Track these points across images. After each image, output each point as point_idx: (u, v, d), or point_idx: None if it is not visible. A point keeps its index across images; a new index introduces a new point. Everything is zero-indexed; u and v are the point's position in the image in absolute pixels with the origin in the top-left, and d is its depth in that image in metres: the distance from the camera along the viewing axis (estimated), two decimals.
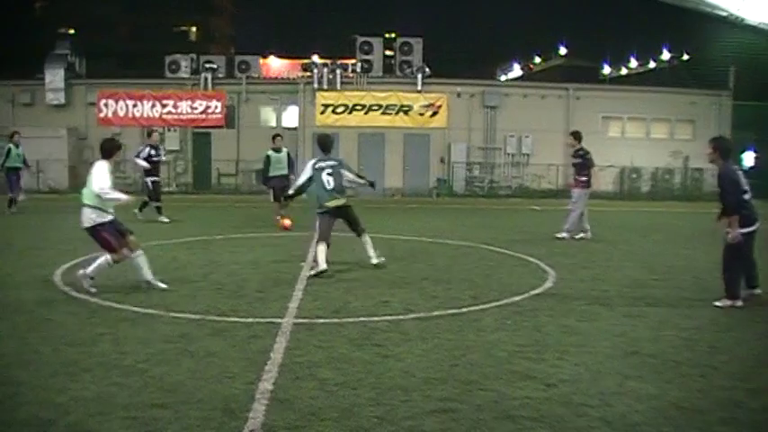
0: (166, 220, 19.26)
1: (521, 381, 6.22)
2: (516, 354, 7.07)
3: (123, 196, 9.92)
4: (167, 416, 5.29)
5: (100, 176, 9.59)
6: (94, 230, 9.68)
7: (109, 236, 9.69)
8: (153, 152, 19.60)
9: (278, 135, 19.15)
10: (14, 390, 5.80)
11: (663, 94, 35.85)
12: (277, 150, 18.46)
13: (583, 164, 16.62)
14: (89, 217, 9.64)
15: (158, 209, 19.48)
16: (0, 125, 30.90)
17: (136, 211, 18.59)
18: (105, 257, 9.69)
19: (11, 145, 21.62)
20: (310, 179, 12.10)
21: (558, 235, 16.34)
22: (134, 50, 53.64)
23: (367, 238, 12.37)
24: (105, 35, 57.87)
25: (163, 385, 5.97)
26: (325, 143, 12.43)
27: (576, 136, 17.07)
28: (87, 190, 9.67)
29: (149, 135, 20.96)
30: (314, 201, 12.25)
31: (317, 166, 12.08)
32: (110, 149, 10.15)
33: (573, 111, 34.69)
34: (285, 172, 18.15)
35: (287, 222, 17.37)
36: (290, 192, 13.02)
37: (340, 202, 12.06)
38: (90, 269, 9.71)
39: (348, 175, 12.42)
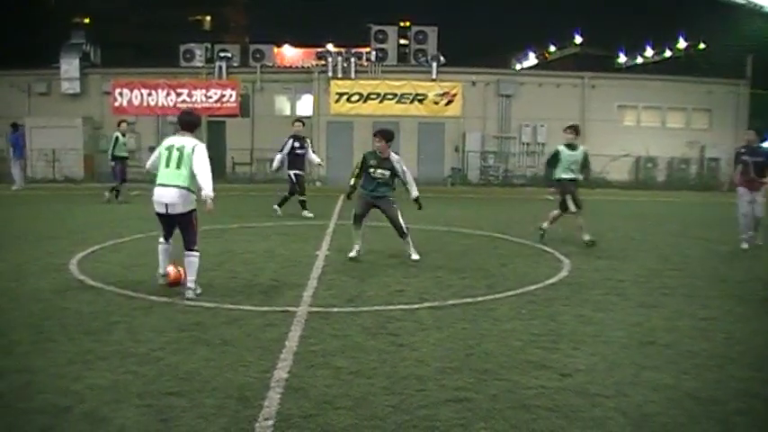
0: (311, 215, 18.08)
1: (536, 370, 6.21)
2: (531, 343, 7.05)
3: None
4: (182, 404, 5.30)
5: (207, 161, 8.84)
6: (190, 217, 8.98)
7: (197, 224, 9.15)
8: (296, 144, 18.14)
9: (573, 126, 14.56)
10: (30, 377, 5.82)
11: (679, 82, 35.64)
12: (571, 147, 14.09)
13: (765, 163, 14.17)
14: (189, 200, 8.89)
15: (302, 203, 18.35)
16: (16, 114, 31.18)
17: (276, 207, 18.26)
18: (195, 257, 8.97)
19: (118, 134, 21.39)
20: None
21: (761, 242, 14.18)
22: (149, 40, 53.69)
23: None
24: (120, 25, 57.97)
25: (177, 373, 5.98)
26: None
27: (759, 132, 14.92)
28: (184, 171, 8.77)
29: (293, 123, 19.05)
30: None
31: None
32: (191, 123, 9.22)
33: (588, 99, 34.58)
34: (575, 175, 14.02)
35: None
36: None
37: None
38: (191, 283, 8.92)
39: None
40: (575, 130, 14.30)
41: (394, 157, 12.00)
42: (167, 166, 8.79)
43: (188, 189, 8.80)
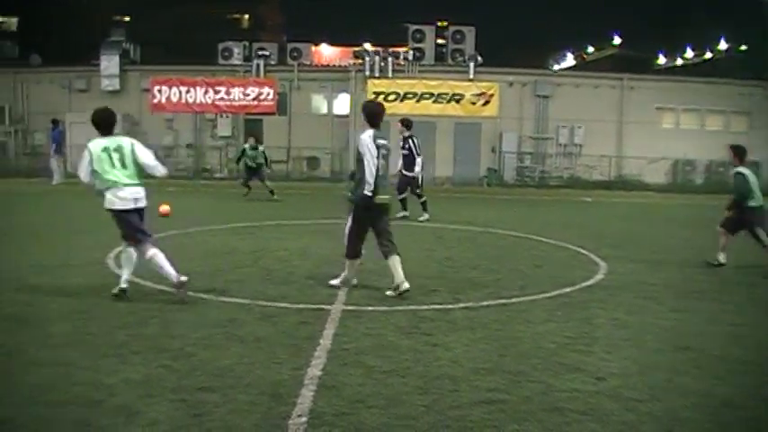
0: (404, 214, 17.38)
1: (569, 373, 6.16)
2: (565, 346, 7.01)
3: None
4: (215, 399, 5.33)
5: (147, 150, 8.99)
6: (146, 208, 8.94)
7: None
8: (400, 143, 17.46)
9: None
10: (65, 370, 5.88)
11: (718, 85, 35.19)
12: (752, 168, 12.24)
13: None
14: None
15: (402, 201, 17.60)
16: (56, 110, 31.65)
17: (426, 215, 17.50)
18: (158, 250, 8.75)
19: (246, 146, 22.61)
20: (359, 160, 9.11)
21: None
22: (187, 38, 54.12)
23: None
24: (159, 22, 58.49)
25: (211, 369, 6.01)
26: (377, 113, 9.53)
27: None
28: (134, 169, 8.71)
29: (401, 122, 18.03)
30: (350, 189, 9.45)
31: (377, 142, 9.12)
32: (113, 123, 8.97)
33: (626, 101, 34.26)
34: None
35: None
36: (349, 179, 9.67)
37: (386, 198, 9.27)
38: (179, 275, 8.62)
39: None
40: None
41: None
42: (115, 167, 8.58)
43: (143, 185, 8.82)
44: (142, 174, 8.82)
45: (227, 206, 20.08)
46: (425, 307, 8.50)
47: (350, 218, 9.31)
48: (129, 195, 8.60)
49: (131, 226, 8.67)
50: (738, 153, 12.52)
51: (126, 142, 8.80)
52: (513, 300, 9.04)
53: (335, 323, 7.59)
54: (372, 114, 9.39)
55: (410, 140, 17.57)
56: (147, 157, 8.84)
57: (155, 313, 7.84)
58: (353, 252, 9.35)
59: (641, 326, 7.95)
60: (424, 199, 17.68)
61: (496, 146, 33.99)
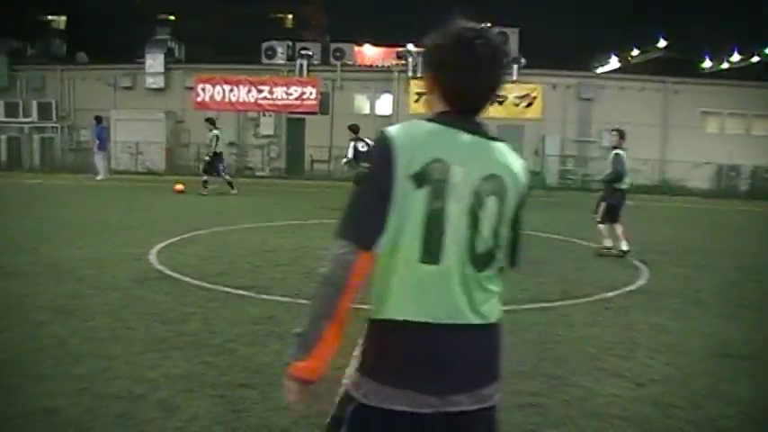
0: None
1: (610, 378, 6.10)
2: (606, 350, 6.94)
3: None
4: (254, 396, 5.35)
5: None
6: None
7: None
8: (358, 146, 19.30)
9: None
10: (107, 364, 5.94)
11: (765, 89, 34.64)
12: None
13: None
14: None
15: None
16: (102, 107, 32.09)
17: None
18: None
19: (216, 132, 23.43)
20: None
21: None
22: (231, 37, 54.50)
23: None
24: (203, 21, 58.99)
25: (250, 366, 6.03)
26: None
27: None
28: None
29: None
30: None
31: None
32: None
33: (671, 105, 33.89)
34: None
35: None
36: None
37: None
38: None
39: None
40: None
41: None
42: None
43: None
44: None
45: (269, 204, 20.14)
46: None
47: None
48: None
49: None
50: (622, 135, 13.45)
51: None
52: (555, 303, 8.97)
53: None
54: None
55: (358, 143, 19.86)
56: None
57: (195, 309, 7.89)
58: None
59: (684, 332, 7.85)
60: None
61: (539, 148, 33.80)
